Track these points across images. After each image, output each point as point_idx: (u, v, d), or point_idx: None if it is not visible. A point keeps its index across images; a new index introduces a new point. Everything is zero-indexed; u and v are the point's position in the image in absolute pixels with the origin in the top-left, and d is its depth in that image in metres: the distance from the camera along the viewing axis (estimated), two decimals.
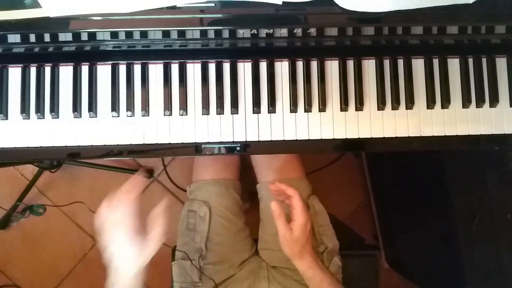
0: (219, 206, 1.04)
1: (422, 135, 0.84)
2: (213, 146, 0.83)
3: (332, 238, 1.04)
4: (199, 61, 0.84)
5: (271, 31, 0.75)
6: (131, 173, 1.69)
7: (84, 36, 0.76)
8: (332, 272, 0.98)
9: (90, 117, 0.82)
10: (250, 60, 0.84)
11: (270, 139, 0.83)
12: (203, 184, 1.07)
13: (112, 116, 0.83)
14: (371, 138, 0.84)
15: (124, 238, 0.67)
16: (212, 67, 0.84)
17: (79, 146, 0.82)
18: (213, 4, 0.72)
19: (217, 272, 1.00)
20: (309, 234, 0.91)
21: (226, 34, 0.76)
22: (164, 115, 0.83)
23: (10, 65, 0.82)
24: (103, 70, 0.83)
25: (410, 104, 0.84)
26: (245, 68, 0.84)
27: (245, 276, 1.02)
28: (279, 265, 1.02)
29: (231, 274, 1.02)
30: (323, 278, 0.90)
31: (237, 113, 0.84)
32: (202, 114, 0.83)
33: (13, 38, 0.75)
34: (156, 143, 0.83)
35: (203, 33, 0.76)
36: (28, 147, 0.82)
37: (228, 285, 1.00)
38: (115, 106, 0.82)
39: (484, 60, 0.85)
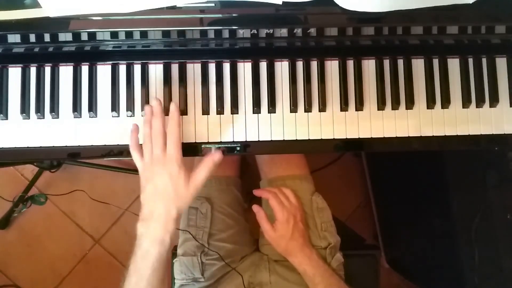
0: (220, 203, 1.05)
1: (422, 135, 0.84)
2: (213, 146, 0.83)
3: (335, 234, 1.05)
4: (199, 61, 0.84)
5: (271, 31, 0.75)
6: (131, 173, 1.69)
7: (84, 36, 0.76)
8: (334, 268, 0.98)
9: (90, 117, 0.82)
10: (250, 60, 0.84)
11: (270, 139, 0.84)
12: None
13: (112, 116, 0.83)
14: (371, 138, 0.84)
15: (175, 172, 0.72)
16: (212, 67, 0.84)
17: (79, 146, 0.82)
18: (213, 4, 0.72)
19: (219, 267, 1.01)
20: (294, 229, 0.93)
21: (226, 34, 0.76)
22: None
23: (10, 65, 0.82)
24: (103, 70, 0.83)
25: (410, 104, 0.84)
26: (245, 68, 0.84)
27: (246, 267, 1.03)
28: (280, 259, 1.02)
29: (232, 267, 1.03)
30: (315, 273, 0.91)
31: (237, 113, 0.84)
32: (202, 114, 0.83)
33: (13, 38, 0.75)
34: None
35: (203, 33, 0.76)
36: (28, 147, 0.82)
37: (229, 277, 1.00)
38: (115, 106, 0.82)
39: (484, 60, 0.85)
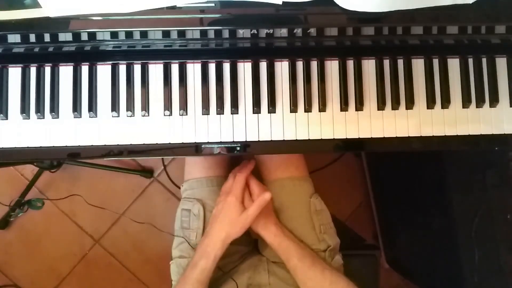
0: (212, 203, 1.04)
1: (422, 135, 0.84)
2: (213, 146, 0.83)
3: (334, 236, 1.05)
4: (199, 61, 0.84)
5: (271, 31, 0.75)
6: (131, 173, 1.69)
7: (84, 36, 0.76)
8: None
9: (90, 117, 0.83)
10: (250, 60, 0.84)
11: (270, 139, 0.84)
12: (195, 182, 1.07)
13: (112, 116, 0.83)
14: (371, 138, 0.84)
15: (232, 202, 0.90)
16: (212, 67, 0.84)
17: (79, 146, 0.82)
18: (213, 4, 0.72)
19: (214, 269, 1.01)
20: (267, 209, 0.94)
21: (226, 34, 0.76)
22: (164, 115, 0.83)
23: (10, 65, 0.82)
24: (103, 70, 0.83)
25: (410, 104, 0.84)
26: (245, 68, 0.84)
27: (245, 269, 1.02)
28: (279, 260, 1.02)
29: (230, 268, 1.02)
30: (289, 244, 0.93)
31: (237, 113, 0.84)
32: (202, 114, 0.83)
33: (13, 38, 0.75)
34: (156, 143, 0.83)
35: (203, 33, 0.76)
36: (28, 147, 0.82)
37: (228, 278, 1.00)
38: (115, 106, 0.82)
39: (484, 60, 0.85)
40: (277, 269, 1.01)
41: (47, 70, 0.83)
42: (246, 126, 0.84)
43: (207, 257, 0.87)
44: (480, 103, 0.84)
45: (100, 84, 0.83)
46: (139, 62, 0.83)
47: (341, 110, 0.84)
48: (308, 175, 1.11)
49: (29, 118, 0.82)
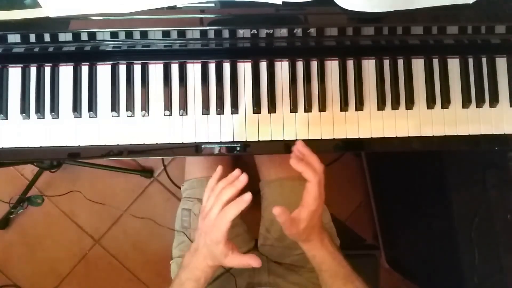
0: None
1: (422, 135, 0.84)
2: (213, 146, 0.83)
3: (334, 236, 1.05)
4: (199, 61, 0.84)
5: (271, 31, 0.75)
6: (131, 173, 1.69)
7: (84, 36, 0.76)
8: None
9: (90, 117, 0.83)
10: (250, 60, 0.84)
11: (270, 139, 0.84)
12: (196, 181, 1.07)
13: (112, 116, 0.83)
14: (371, 138, 0.84)
15: (214, 245, 0.74)
16: (212, 67, 0.84)
17: (79, 146, 0.82)
18: (213, 4, 0.72)
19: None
20: (318, 219, 0.81)
21: (226, 34, 0.76)
22: (164, 115, 0.83)
23: (10, 65, 0.82)
24: (103, 70, 0.83)
25: (410, 104, 0.84)
26: (245, 68, 0.84)
27: (245, 268, 1.02)
28: (279, 260, 1.02)
29: (230, 267, 1.02)
30: (324, 260, 0.82)
31: (237, 113, 0.84)
32: (202, 114, 0.83)
33: (13, 38, 0.75)
34: (156, 143, 0.83)
35: (203, 33, 0.76)
36: (28, 147, 0.82)
37: (228, 277, 1.00)
38: (115, 106, 0.82)
39: (484, 60, 0.85)
40: (277, 268, 1.01)
41: (47, 70, 0.83)
42: (246, 126, 0.84)
43: (197, 281, 0.77)
44: (480, 103, 0.84)
45: (100, 84, 0.83)
46: (139, 62, 0.83)
47: (341, 110, 0.84)
48: None
49: (29, 118, 0.82)
